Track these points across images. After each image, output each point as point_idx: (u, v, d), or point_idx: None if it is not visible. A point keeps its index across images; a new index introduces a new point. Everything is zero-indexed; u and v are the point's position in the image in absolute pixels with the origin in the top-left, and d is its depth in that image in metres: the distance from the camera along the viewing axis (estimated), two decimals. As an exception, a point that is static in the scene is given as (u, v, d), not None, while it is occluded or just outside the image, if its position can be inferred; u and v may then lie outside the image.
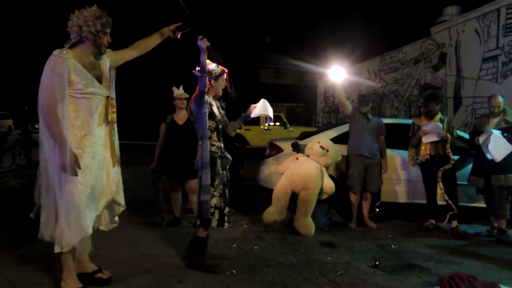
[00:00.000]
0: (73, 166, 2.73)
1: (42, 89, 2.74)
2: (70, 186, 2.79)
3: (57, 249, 2.82)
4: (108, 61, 3.09)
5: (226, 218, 3.61)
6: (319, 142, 5.26)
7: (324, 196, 5.17)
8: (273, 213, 5.10)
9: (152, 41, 3.34)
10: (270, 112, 3.74)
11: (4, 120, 25.26)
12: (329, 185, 5.10)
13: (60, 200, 2.78)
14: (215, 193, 3.55)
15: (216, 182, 3.57)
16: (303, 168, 5.07)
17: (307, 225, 4.87)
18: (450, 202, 5.07)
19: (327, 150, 5.21)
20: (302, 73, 33.39)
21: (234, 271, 3.57)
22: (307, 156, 5.25)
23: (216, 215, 3.54)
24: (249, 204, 6.44)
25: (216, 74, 3.60)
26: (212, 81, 3.59)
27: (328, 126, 9.65)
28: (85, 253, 3.19)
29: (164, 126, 5.13)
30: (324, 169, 5.18)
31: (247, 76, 32.35)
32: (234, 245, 4.38)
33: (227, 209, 3.63)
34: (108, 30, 2.97)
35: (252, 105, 3.81)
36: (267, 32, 33.57)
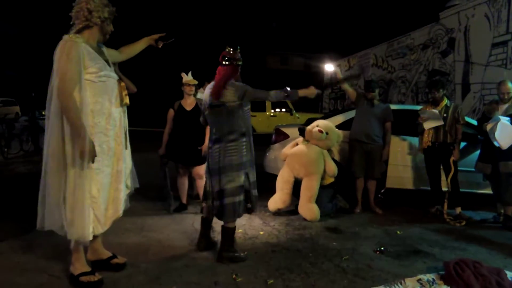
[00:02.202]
0: (92, 152, 2.76)
1: (58, 74, 2.73)
2: (94, 172, 2.83)
3: (74, 237, 2.85)
4: (106, 51, 3.13)
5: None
6: (317, 126, 5.13)
7: (329, 180, 5.12)
8: (277, 201, 5.08)
9: (136, 48, 3.39)
10: None
11: (12, 107, 25.38)
12: (331, 168, 5.02)
13: (83, 186, 2.78)
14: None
15: None
16: (303, 154, 5.00)
17: (312, 210, 4.86)
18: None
19: (327, 133, 5.08)
20: (309, 60, 33.18)
21: (240, 256, 3.61)
22: (307, 141, 5.17)
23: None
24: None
25: (241, 64, 3.60)
26: (238, 68, 3.58)
27: (334, 112, 9.62)
28: (99, 240, 3.24)
29: (172, 112, 5.14)
30: (325, 152, 5.10)
31: (255, 63, 32.24)
32: (240, 231, 4.41)
33: None
34: (112, 19, 3.04)
35: None
36: (274, 19, 33.33)
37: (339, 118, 6.09)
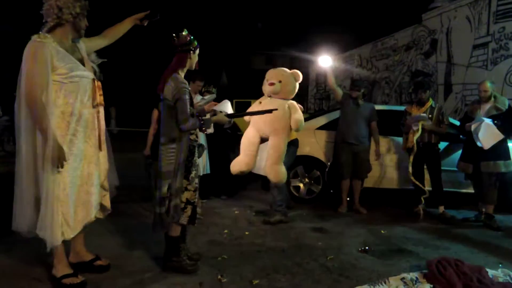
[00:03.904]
0: (61, 157, 2.69)
1: (24, 78, 2.65)
2: (64, 174, 2.77)
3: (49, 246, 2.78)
4: (84, 46, 3.03)
5: (197, 215, 3.34)
6: (267, 80, 4.60)
7: (293, 136, 4.76)
8: (240, 163, 4.59)
9: (121, 29, 3.25)
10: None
11: (-8, 107, 24.88)
12: (295, 121, 4.48)
13: (52, 190, 2.71)
14: (189, 187, 3.24)
15: (192, 175, 3.26)
16: None
17: (279, 172, 4.42)
18: (418, 183, 5.24)
19: (280, 81, 4.54)
20: (294, 60, 33.26)
21: (225, 257, 3.60)
22: (269, 97, 4.65)
23: (189, 211, 3.25)
24: (240, 190, 6.47)
25: (194, 46, 3.25)
26: (191, 53, 3.23)
27: (320, 112, 9.67)
28: (81, 241, 3.20)
29: (156, 112, 5.10)
30: (291, 104, 4.58)
31: (239, 63, 32.20)
32: (226, 231, 4.40)
33: (200, 204, 3.31)
34: (86, 13, 2.93)
35: (213, 103, 3.76)
36: (259, 19, 33.36)
37: (322, 120, 6.13)
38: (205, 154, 5.57)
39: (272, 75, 4.64)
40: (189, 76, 5.51)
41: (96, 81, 2.99)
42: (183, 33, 3.21)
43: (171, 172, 3.12)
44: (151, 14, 3.30)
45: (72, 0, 2.80)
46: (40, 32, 2.77)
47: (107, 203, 3.19)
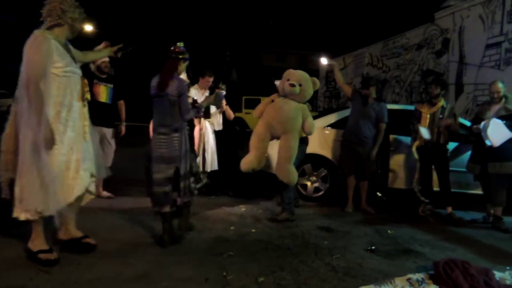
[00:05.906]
0: (51, 140, 2.96)
1: (28, 66, 2.92)
2: (51, 158, 3.01)
3: (23, 217, 3.03)
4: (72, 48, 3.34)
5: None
6: (288, 80, 4.58)
7: (303, 134, 4.72)
8: (252, 161, 4.60)
9: (100, 55, 3.84)
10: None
11: (4, 99, 25.14)
12: (309, 125, 4.56)
13: (38, 170, 2.93)
14: (194, 165, 4.06)
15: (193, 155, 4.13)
16: (281, 111, 4.51)
17: (290, 172, 4.46)
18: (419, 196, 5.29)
19: (300, 85, 4.54)
20: (304, 57, 33.23)
21: (231, 253, 3.61)
22: (283, 96, 4.65)
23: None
24: (248, 187, 6.47)
25: (185, 57, 3.81)
26: (181, 61, 3.78)
27: (329, 110, 9.64)
28: (72, 221, 3.45)
29: None
30: (304, 107, 4.63)
31: (251, 60, 32.23)
32: (232, 228, 4.41)
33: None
34: (82, 19, 3.29)
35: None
36: (270, 16, 33.34)
37: (330, 118, 6.12)
38: (213, 151, 5.60)
39: (294, 76, 4.60)
40: (199, 72, 5.57)
41: (83, 79, 3.31)
42: (180, 44, 3.79)
43: (177, 157, 3.65)
44: (124, 47, 3.79)
45: (73, 6, 3.17)
46: (41, 29, 3.07)
47: (93, 189, 3.53)
